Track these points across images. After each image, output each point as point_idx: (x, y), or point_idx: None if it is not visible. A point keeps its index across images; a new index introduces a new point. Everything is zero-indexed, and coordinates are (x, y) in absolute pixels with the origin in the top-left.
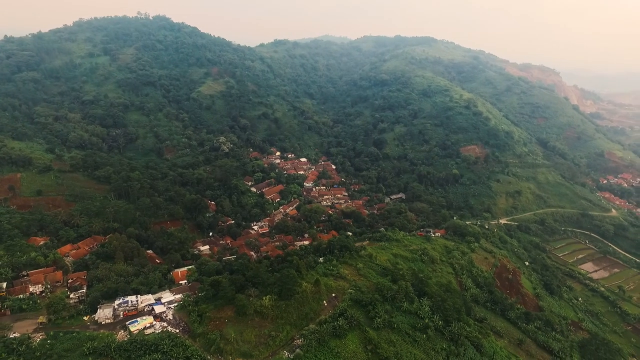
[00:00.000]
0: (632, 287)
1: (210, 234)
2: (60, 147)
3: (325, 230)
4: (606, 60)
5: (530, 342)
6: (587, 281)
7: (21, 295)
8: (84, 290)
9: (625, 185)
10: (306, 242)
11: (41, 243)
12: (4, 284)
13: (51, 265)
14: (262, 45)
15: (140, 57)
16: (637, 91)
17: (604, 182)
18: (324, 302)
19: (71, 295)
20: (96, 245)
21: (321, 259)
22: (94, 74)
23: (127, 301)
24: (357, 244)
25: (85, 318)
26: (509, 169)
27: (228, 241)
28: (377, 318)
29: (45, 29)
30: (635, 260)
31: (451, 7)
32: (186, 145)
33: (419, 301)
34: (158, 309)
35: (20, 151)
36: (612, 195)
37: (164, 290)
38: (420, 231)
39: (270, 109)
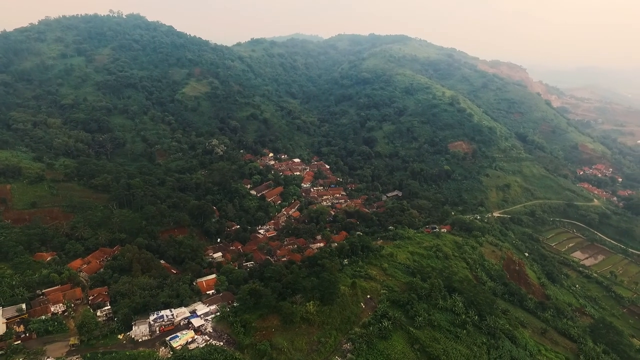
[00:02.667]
0: (621, 272)
1: (218, 240)
2: (49, 155)
3: (334, 231)
4: (558, 55)
5: (551, 330)
6: (580, 268)
7: (43, 317)
8: (109, 307)
9: (600, 175)
10: (320, 244)
11: (48, 259)
12: (23, 305)
13: (66, 282)
14: (239, 44)
15: (117, 57)
16: (591, 85)
17: (581, 173)
18: (362, 304)
19: (98, 313)
20: (106, 258)
21: (346, 261)
22: (70, 76)
23: (162, 316)
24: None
25: (120, 336)
26: (496, 164)
27: (239, 247)
28: (417, 317)
29: (8, 27)
30: (621, 247)
31: (417, 5)
32: (177, 149)
33: (451, 297)
34: (196, 322)
35: (7, 161)
36: (590, 186)
37: (195, 302)
38: (427, 228)
39: (258, 109)
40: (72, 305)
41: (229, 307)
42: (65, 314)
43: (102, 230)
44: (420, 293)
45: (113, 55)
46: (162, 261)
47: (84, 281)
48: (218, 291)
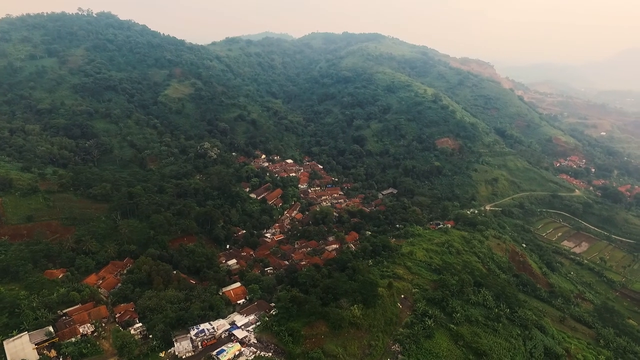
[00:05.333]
0: (608, 257)
1: (227, 246)
2: (36, 165)
3: (344, 232)
4: (513, 52)
5: (568, 318)
6: (572, 256)
7: (73, 339)
8: (140, 324)
9: (575, 166)
10: (334, 246)
11: (60, 276)
12: (50, 328)
13: (87, 300)
14: (214, 43)
15: (93, 58)
16: (550, 81)
17: (557, 165)
18: (398, 304)
19: (132, 331)
20: (120, 272)
21: (370, 262)
22: (43, 78)
23: (203, 330)
24: None
25: (162, 354)
26: (482, 158)
27: (250, 252)
28: (455, 314)
29: None
30: (605, 234)
31: (380, 3)
32: (168, 153)
33: (479, 292)
34: (238, 333)
35: None
36: (568, 177)
37: (231, 313)
38: (432, 224)
39: (244, 110)
40: (103, 324)
41: (267, 317)
42: (95, 334)
43: (109, 243)
44: (453, 289)
45: (88, 56)
46: (175, 271)
47: (104, 298)
48: (250, 300)
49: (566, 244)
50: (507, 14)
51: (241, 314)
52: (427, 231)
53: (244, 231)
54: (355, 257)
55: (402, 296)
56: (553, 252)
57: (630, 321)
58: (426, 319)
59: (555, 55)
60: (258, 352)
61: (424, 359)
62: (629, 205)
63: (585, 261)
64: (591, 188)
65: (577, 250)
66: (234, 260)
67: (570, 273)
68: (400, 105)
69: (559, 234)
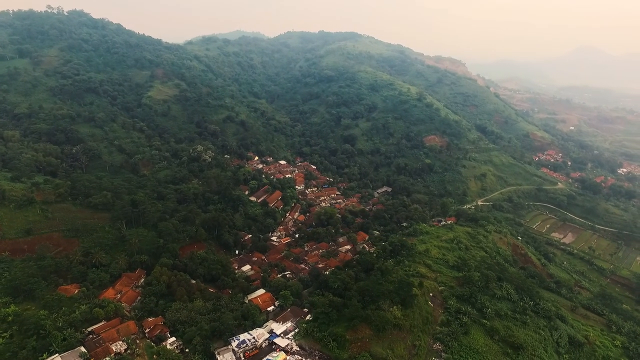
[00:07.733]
0: (595, 246)
1: (237, 252)
2: (27, 174)
3: (352, 232)
4: (475, 50)
5: (579, 306)
6: (562, 247)
7: (107, 358)
8: (174, 339)
9: (552, 160)
10: (347, 247)
11: (76, 292)
12: (82, 348)
13: (113, 316)
14: (190, 43)
15: (69, 59)
16: (514, 78)
17: (537, 159)
18: (430, 303)
19: (168, 346)
20: (135, 284)
21: (391, 261)
22: (16, 81)
23: (244, 341)
24: None
25: None
26: (469, 155)
27: (262, 257)
28: (486, 309)
29: None
30: (589, 224)
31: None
32: (160, 157)
33: (501, 286)
34: (280, 342)
35: None
36: (548, 170)
37: (266, 321)
38: (434, 221)
39: (232, 111)
40: (137, 341)
41: (305, 323)
42: (129, 351)
43: (119, 254)
44: (479, 285)
45: (63, 57)
46: (193, 281)
47: (127, 313)
48: (281, 307)
49: (555, 235)
50: (469, 13)
51: (277, 322)
52: (432, 228)
53: (250, 235)
54: (377, 258)
55: (431, 294)
56: (546, 244)
57: (624, 306)
58: (461, 315)
59: (514, 53)
60: (303, 359)
61: (466, 355)
62: (607, 196)
63: (575, 251)
64: (570, 180)
65: (566, 240)
66: (248, 266)
67: (563, 263)
68: (385, 104)
69: (548, 226)
